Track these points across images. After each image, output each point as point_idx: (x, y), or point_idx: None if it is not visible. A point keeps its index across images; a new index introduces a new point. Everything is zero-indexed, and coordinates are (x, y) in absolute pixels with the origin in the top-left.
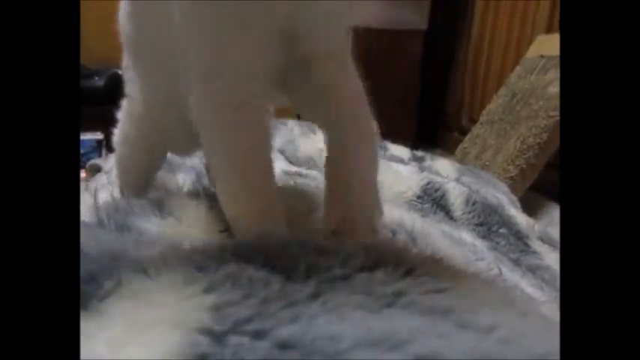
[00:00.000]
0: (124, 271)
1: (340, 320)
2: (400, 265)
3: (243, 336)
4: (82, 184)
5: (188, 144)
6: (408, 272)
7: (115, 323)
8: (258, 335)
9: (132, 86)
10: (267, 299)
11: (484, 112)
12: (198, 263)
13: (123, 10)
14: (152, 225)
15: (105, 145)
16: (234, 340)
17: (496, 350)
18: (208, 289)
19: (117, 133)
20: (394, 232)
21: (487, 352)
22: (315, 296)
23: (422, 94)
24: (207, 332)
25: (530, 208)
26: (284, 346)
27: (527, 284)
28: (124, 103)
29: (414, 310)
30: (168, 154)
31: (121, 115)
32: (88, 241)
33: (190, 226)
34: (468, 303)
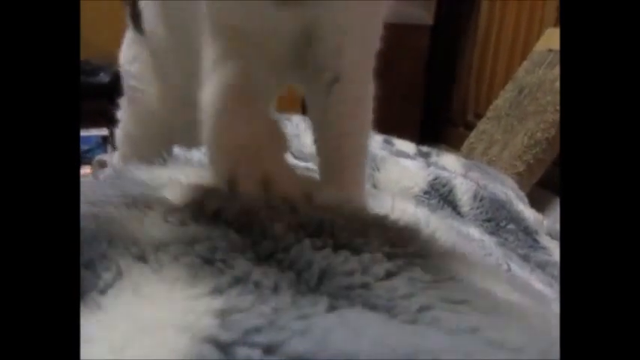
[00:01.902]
0: (123, 260)
1: (358, 335)
2: (426, 271)
3: (253, 348)
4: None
5: (198, 135)
6: (435, 280)
7: (117, 324)
8: (270, 349)
9: (137, 81)
10: (278, 308)
11: (491, 107)
12: (203, 257)
13: (146, 4)
14: (141, 172)
15: (110, 141)
16: (243, 352)
17: None
18: (215, 292)
19: (119, 133)
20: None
21: None
22: (330, 309)
23: (427, 89)
24: (215, 342)
25: (537, 203)
26: None
27: (536, 280)
28: (125, 100)
29: (439, 328)
30: (174, 150)
31: (122, 114)
32: (82, 212)
33: (183, 172)
34: (495, 319)
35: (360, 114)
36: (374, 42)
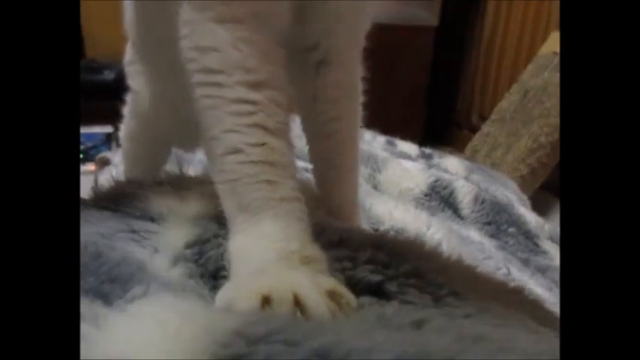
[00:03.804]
0: (154, 283)
1: (370, 334)
2: (422, 291)
3: (277, 344)
4: (91, 177)
5: (193, 139)
6: (435, 297)
7: (142, 322)
8: (292, 343)
9: (135, 81)
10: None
11: (495, 109)
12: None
13: (128, 7)
14: (140, 197)
15: (114, 139)
16: (267, 346)
17: None
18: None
19: (122, 129)
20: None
21: None
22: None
23: (431, 91)
24: (241, 335)
25: (540, 207)
26: (318, 355)
27: (535, 284)
28: (128, 98)
29: (445, 335)
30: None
31: (126, 110)
32: (97, 241)
33: (186, 191)
34: (504, 330)
35: (349, 99)
36: (363, 25)
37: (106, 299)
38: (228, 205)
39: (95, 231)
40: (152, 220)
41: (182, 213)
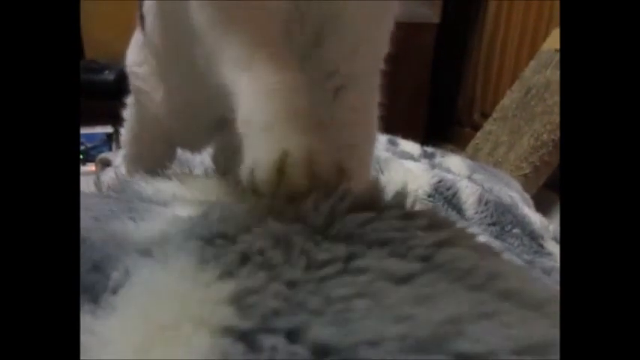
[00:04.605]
0: (129, 258)
1: (380, 313)
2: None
3: (276, 335)
4: (91, 178)
5: (202, 140)
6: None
7: (135, 325)
8: (293, 336)
9: (143, 83)
10: (293, 281)
11: (497, 107)
12: (204, 238)
13: (149, 6)
14: (145, 186)
15: (115, 139)
16: (266, 342)
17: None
18: (224, 275)
19: (125, 132)
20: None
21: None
22: (347, 260)
23: (433, 89)
24: (235, 332)
25: (543, 206)
26: (323, 351)
27: None
28: (131, 100)
29: (458, 286)
30: (179, 151)
31: (127, 113)
32: (88, 226)
33: (189, 188)
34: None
35: (365, 124)
36: (382, 51)
37: (93, 294)
38: (227, 74)
39: (90, 215)
40: (156, 204)
41: (188, 199)
